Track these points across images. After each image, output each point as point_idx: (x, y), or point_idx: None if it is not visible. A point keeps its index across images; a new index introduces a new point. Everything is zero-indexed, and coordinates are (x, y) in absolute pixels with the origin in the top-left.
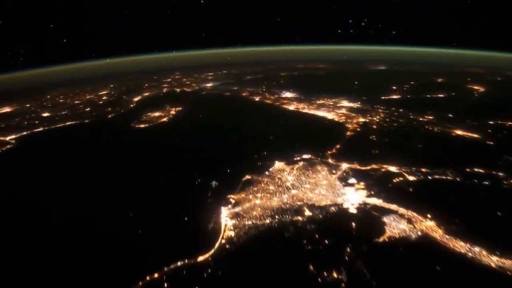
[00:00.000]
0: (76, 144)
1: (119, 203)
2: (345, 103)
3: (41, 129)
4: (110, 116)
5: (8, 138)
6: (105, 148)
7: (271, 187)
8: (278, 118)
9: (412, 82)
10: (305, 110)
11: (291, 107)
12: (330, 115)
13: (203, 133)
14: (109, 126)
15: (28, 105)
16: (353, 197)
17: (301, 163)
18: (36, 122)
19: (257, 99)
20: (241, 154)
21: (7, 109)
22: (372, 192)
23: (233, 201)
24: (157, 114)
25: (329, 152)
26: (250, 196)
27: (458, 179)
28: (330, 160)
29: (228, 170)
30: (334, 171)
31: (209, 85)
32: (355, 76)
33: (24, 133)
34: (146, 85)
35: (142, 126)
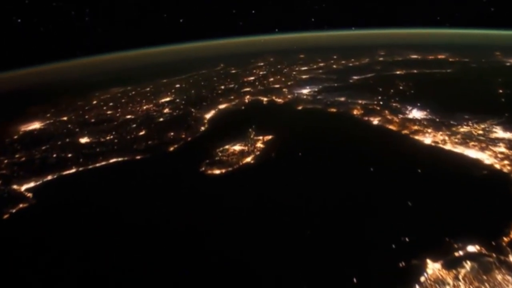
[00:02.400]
0: (116, 213)
1: None
2: (499, 131)
3: (73, 170)
4: (171, 148)
5: (23, 188)
6: (161, 223)
7: None
8: (412, 163)
9: None
10: (448, 146)
11: (427, 139)
12: (485, 157)
13: (305, 196)
14: (169, 170)
15: (65, 118)
16: None
17: (467, 265)
18: (69, 155)
19: (375, 121)
20: (370, 242)
21: (36, 126)
22: None
23: None
24: (237, 148)
25: (505, 240)
26: None
27: None
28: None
29: (355, 280)
30: None
31: (305, 91)
32: (492, 76)
33: (49, 177)
34: (222, 87)
35: (217, 172)
